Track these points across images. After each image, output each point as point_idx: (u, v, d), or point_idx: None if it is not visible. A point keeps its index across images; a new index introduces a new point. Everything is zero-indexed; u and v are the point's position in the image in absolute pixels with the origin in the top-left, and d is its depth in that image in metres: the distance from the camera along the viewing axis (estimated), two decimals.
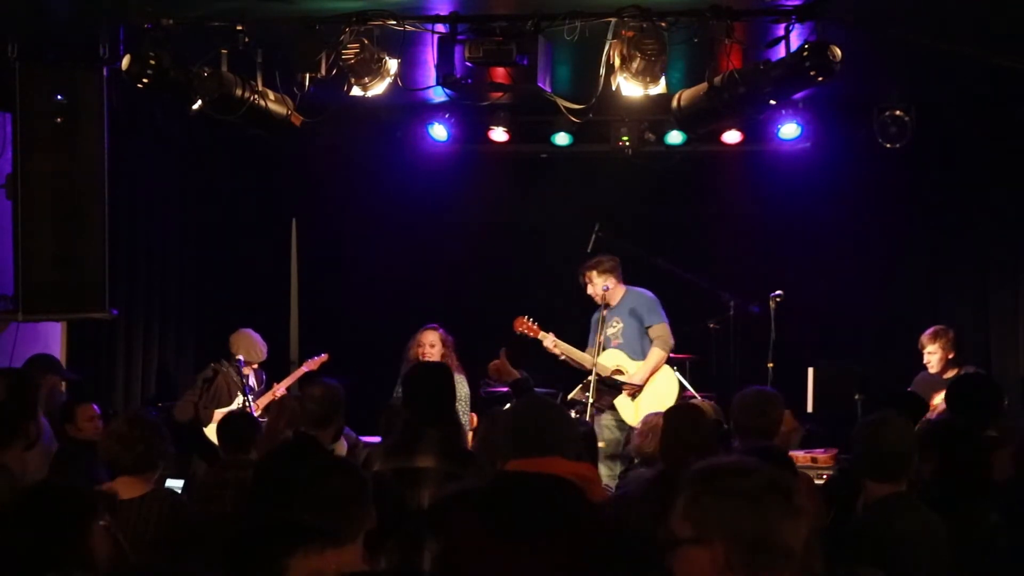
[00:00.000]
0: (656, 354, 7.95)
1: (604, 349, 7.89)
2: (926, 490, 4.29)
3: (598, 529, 3.14)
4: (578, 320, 8.29)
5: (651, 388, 7.93)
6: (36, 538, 3.18)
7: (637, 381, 7.88)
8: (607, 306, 7.94)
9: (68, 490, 3.45)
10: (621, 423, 7.82)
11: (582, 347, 8.07)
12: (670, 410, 5.10)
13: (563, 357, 8.05)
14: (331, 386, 5.49)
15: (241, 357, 8.13)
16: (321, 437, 5.31)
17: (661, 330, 8.00)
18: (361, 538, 3.34)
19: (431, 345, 8.16)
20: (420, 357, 8.12)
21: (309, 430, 5.35)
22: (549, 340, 8.03)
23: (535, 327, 8.09)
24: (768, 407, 5.33)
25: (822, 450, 7.27)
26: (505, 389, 8.27)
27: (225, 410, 8.08)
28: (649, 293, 8.13)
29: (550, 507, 2.63)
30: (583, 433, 5.09)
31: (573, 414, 7.53)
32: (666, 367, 8.03)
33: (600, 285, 7.94)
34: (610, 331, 8.00)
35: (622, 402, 7.90)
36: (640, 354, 7.99)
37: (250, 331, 8.38)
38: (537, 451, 4.01)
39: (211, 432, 8.09)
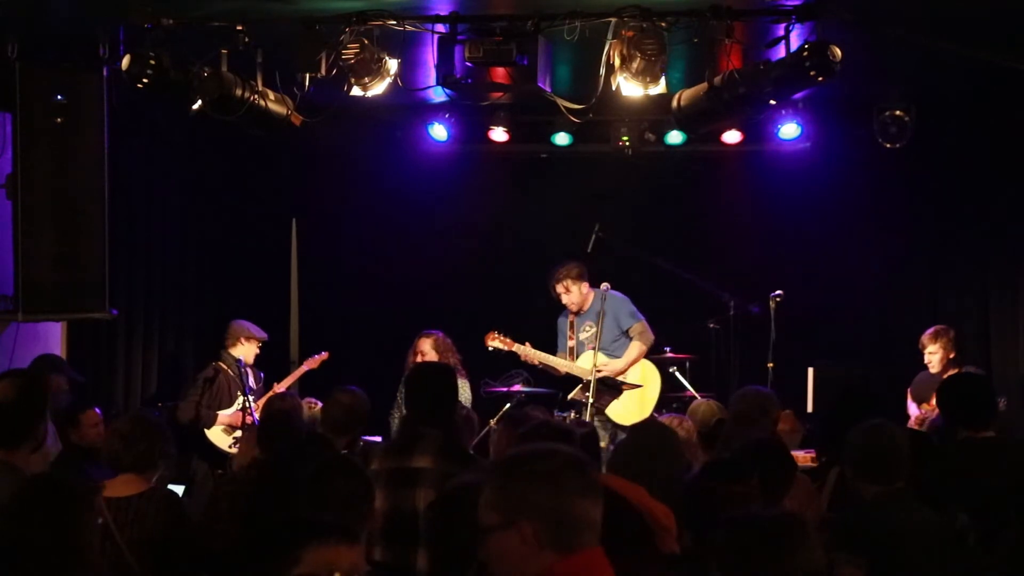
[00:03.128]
0: (636, 347, 7.98)
1: (578, 354, 7.91)
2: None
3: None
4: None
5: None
6: (29, 532, 3.16)
7: (614, 370, 7.88)
8: (578, 312, 7.97)
9: (62, 484, 3.44)
10: (605, 423, 7.81)
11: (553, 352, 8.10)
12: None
13: (541, 366, 8.05)
14: (360, 398, 5.51)
15: (241, 358, 8.12)
16: (335, 442, 5.31)
17: (641, 327, 8.03)
18: (364, 537, 3.35)
19: (422, 353, 8.13)
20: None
21: (326, 433, 5.35)
22: (525, 351, 8.03)
23: (507, 340, 8.08)
24: (768, 406, 5.36)
25: None
26: (505, 389, 8.28)
27: (227, 412, 8.08)
28: (618, 294, 8.09)
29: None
30: (584, 434, 5.10)
31: (573, 414, 7.55)
32: (650, 365, 8.04)
33: (577, 292, 7.96)
34: (583, 336, 8.03)
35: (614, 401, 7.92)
36: (614, 354, 7.99)
37: (242, 321, 8.40)
38: (631, 477, 3.94)
39: (213, 434, 8.09)
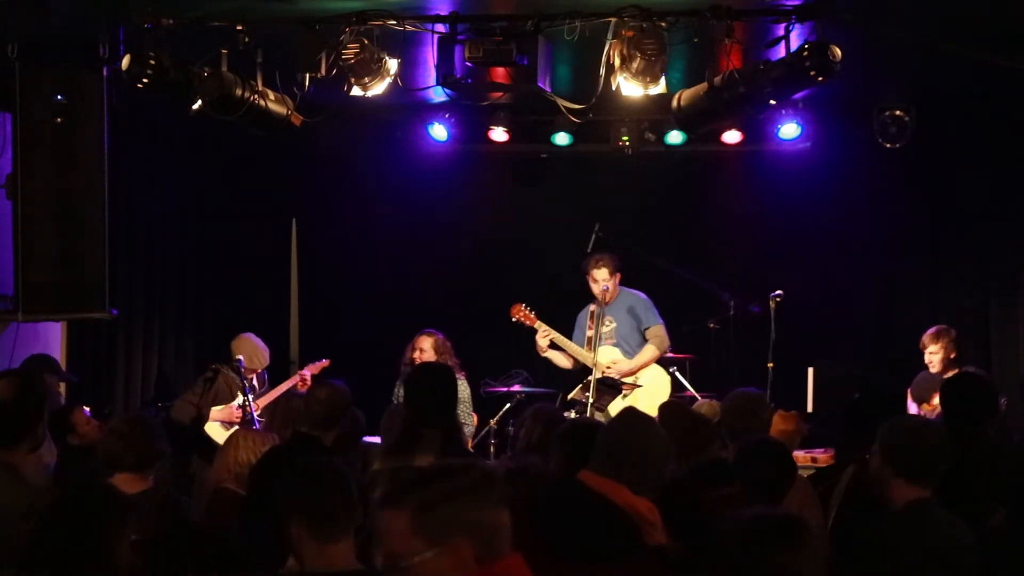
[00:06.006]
0: (650, 350, 7.99)
1: (596, 346, 7.92)
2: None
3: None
4: (575, 319, 8.30)
5: (644, 388, 7.93)
6: (67, 538, 3.13)
7: (624, 370, 7.90)
8: (603, 304, 7.96)
9: (106, 493, 3.39)
10: None
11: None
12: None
13: (546, 353, 8.03)
14: (338, 388, 5.50)
15: (241, 358, 8.09)
16: (323, 438, 5.31)
17: (659, 331, 8.06)
18: (351, 534, 3.35)
19: (422, 350, 8.11)
20: (414, 362, 8.12)
21: (312, 431, 5.35)
22: (545, 329, 8.01)
23: (531, 316, 8.08)
24: (758, 408, 5.36)
25: (822, 450, 7.26)
26: (505, 389, 8.28)
27: (221, 408, 8.05)
28: (643, 295, 8.15)
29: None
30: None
31: (573, 414, 7.55)
32: (660, 368, 8.05)
33: (606, 283, 7.96)
34: (604, 329, 8.02)
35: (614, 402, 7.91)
36: (633, 352, 8.02)
37: (251, 336, 8.25)
38: (612, 473, 3.90)
39: (211, 429, 8.07)
